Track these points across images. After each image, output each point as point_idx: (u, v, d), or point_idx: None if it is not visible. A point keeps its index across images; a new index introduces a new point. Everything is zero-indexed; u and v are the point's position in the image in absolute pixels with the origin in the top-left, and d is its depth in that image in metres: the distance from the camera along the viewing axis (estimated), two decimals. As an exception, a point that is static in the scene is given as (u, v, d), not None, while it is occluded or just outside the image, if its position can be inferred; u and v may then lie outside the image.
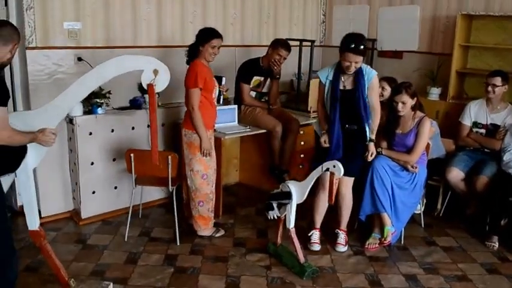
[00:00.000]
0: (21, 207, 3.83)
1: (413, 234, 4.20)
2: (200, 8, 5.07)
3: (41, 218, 4.16)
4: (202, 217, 4.04)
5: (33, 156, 2.92)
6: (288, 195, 3.54)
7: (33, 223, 3.03)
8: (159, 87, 3.09)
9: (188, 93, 3.83)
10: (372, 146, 3.78)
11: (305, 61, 5.47)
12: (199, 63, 3.83)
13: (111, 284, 3.15)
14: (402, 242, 4.06)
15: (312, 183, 3.48)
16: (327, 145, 3.72)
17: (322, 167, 3.39)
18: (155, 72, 3.05)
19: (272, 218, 3.71)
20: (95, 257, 3.69)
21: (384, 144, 4.08)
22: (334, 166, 3.31)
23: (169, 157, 3.78)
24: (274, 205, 3.66)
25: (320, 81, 3.81)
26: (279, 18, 5.85)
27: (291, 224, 3.56)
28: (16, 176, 2.96)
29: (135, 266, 3.59)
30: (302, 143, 4.95)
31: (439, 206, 4.59)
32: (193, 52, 3.92)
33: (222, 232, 4.16)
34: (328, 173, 3.37)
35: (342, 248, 3.94)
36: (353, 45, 3.48)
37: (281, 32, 5.79)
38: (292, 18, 6.01)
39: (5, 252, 2.64)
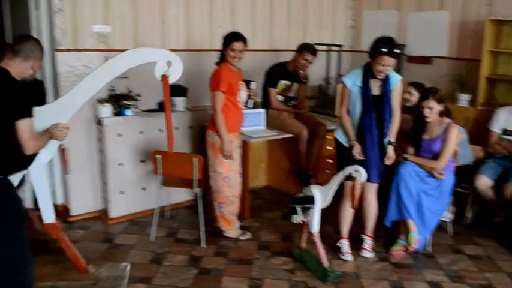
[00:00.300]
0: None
1: (440, 242, 4.14)
2: (228, 13, 5.13)
3: (70, 216, 4.35)
4: (224, 218, 4.09)
5: (46, 151, 3.01)
6: (311, 200, 3.54)
7: (49, 216, 3.13)
8: (173, 78, 3.20)
9: (211, 95, 3.89)
10: (391, 150, 3.75)
11: (334, 65, 5.48)
12: (224, 67, 3.89)
13: (129, 264, 3.23)
14: (428, 249, 4.01)
15: (335, 187, 3.47)
16: (362, 157, 3.64)
17: (343, 172, 3.39)
18: (168, 64, 3.16)
19: (296, 222, 3.72)
20: (121, 256, 3.77)
21: (411, 150, 4.05)
22: (356, 171, 3.30)
23: (195, 159, 3.83)
24: (298, 209, 3.67)
25: (345, 86, 3.72)
26: (308, 23, 5.87)
27: (315, 228, 3.56)
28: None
29: (159, 266, 3.65)
30: (330, 147, 4.94)
31: (467, 214, 4.52)
32: (221, 56, 3.97)
33: (248, 235, 4.19)
34: (350, 181, 3.36)
35: (368, 254, 3.91)
36: (389, 49, 3.44)
37: (310, 36, 5.79)
38: (321, 22, 6.02)
39: (21, 261, 2.67)
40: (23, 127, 2.59)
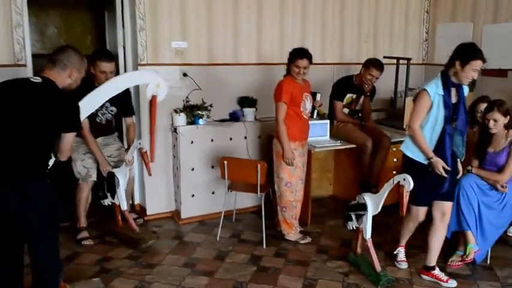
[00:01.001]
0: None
1: (501, 255, 4.08)
2: (299, 28, 5.39)
3: (146, 216, 4.76)
4: (286, 222, 4.31)
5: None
6: (363, 207, 3.67)
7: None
8: (160, 97, 3.53)
9: (275, 106, 4.14)
10: (460, 163, 3.74)
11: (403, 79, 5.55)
12: (287, 79, 4.14)
13: (99, 279, 3.58)
14: (488, 262, 3.98)
15: (385, 195, 3.57)
16: (445, 174, 3.47)
17: (393, 180, 3.49)
18: (157, 85, 3.48)
19: (351, 228, 3.85)
20: (189, 252, 4.12)
21: (475, 162, 4.05)
22: (404, 179, 3.40)
23: (259, 165, 4.10)
24: (353, 216, 3.81)
25: (428, 96, 3.45)
26: (379, 37, 5.98)
27: (368, 234, 3.68)
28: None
29: (222, 262, 3.95)
30: (395, 159, 5.00)
31: (532, 229, 4.40)
32: (287, 69, 4.22)
33: (308, 239, 4.37)
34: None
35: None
36: (481, 54, 3.37)
37: (381, 49, 5.91)
38: (392, 36, 6.11)
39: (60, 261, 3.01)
40: (69, 138, 2.79)
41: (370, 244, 3.69)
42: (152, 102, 3.54)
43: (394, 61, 5.58)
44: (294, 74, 4.10)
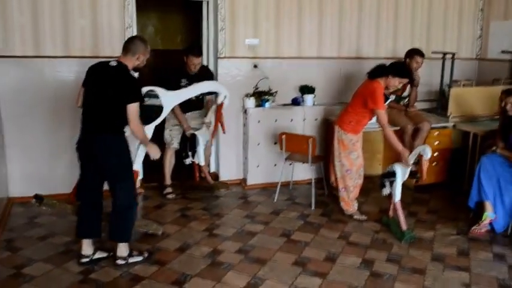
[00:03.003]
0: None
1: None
2: (355, 26, 6.19)
3: (219, 181, 5.80)
4: (344, 200, 4.94)
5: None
6: (393, 174, 4.42)
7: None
8: (225, 105, 5.00)
9: (376, 112, 4.55)
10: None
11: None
12: (381, 85, 4.55)
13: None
14: (508, 233, 4.50)
15: (411, 164, 4.31)
16: None
17: (416, 151, 4.23)
18: (225, 96, 4.91)
19: (385, 194, 4.59)
20: (250, 208, 5.11)
21: (501, 144, 4.64)
22: (423, 149, 4.13)
23: (310, 140, 4.96)
24: (386, 183, 4.55)
25: None
26: (431, 34, 6.63)
27: (397, 198, 4.42)
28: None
29: (276, 216, 4.89)
30: (437, 142, 5.64)
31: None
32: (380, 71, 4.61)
33: (363, 217, 4.88)
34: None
35: None
36: None
37: (434, 46, 6.53)
38: (446, 33, 6.72)
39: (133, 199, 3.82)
40: (131, 109, 3.50)
41: (398, 206, 4.42)
42: (219, 106, 4.92)
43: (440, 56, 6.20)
44: (391, 86, 4.59)
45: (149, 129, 4.16)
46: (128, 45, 3.68)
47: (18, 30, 4.81)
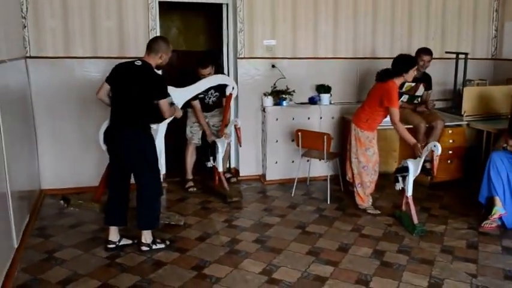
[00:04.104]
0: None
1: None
2: (370, 27, 6.36)
3: (239, 176, 6.04)
4: (359, 195, 5.11)
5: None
6: (406, 169, 4.58)
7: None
8: (234, 95, 5.31)
9: (389, 110, 4.72)
10: None
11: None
12: (395, 84, 4.78)
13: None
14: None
15: (423, 159, 4.47)
16: None
17: (428, 147, 4.40)
18: (233, 88, 5.22)
19: (398, 188, 4.75)
20: (268, 202, 5.34)
21: (511, 141, 4.77)
22: (434, 146, 4.29)
23: (325, 137, 5.16)
24: (399, 178, 4.71)
25: None
26: (446, 35, 6.76)
27: (409, 192, 4.58)
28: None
29: (293, 210, 5.09)
30: (451, 141, 5.78)
31: None
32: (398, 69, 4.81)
33: (376, 211, 5.06)
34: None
35: None
36: None
37: (448, 46, 6.67)
38: (460, 33, 6.85)
39: (159, 190, 4.07)
40: (162, 104, 3.85)
41: (410, 200, 4.58)
42: (228, 97, 5.26)
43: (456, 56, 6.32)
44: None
45: (162, 127, 4.41)
46: (151, 45, 3.90)
47: (49, 32, 5.16)
